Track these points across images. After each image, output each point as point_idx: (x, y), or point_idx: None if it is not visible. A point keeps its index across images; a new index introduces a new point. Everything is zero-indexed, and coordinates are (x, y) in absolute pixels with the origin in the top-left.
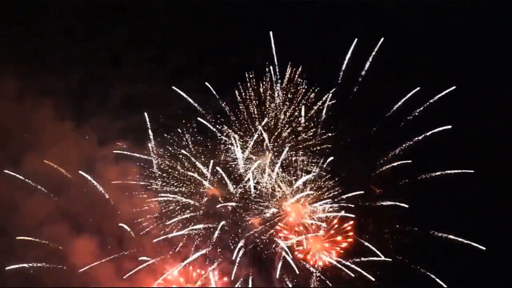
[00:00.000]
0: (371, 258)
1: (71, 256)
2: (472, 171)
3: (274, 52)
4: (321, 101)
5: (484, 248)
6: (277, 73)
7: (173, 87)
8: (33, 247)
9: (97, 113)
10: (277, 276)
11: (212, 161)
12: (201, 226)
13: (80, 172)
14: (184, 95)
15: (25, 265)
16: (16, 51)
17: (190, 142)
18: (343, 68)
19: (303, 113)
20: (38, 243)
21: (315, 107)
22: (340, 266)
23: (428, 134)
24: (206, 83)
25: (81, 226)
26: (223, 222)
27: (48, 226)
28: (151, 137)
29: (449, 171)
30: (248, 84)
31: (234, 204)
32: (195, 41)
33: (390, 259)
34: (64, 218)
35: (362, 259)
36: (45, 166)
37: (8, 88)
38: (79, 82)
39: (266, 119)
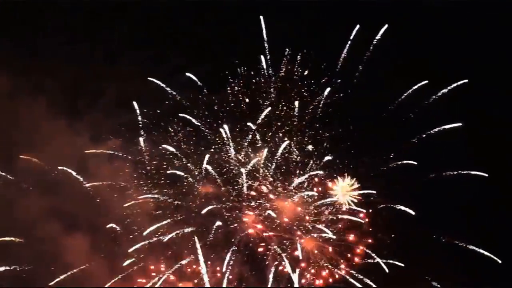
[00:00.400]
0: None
1: (61, 257)
2: (486, 174)
3: (264, 37)
4: (319, 97)
5: (500, 261)
6: (269, 62)
7: (149, 78)
8: (22, 247)
9: (89, 111)
10: (271, 278)
11: (206, 157)
12: (192, 228)
13: (62, 167)
14: (163, 85)
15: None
16: (11, 48)
17: (182, 143)
18: (342, 56)
19: (297, 111)
20: (28, 243)
21: (314, 103)
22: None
23: (435, 131)
24: (188, 75)
25: (70, 226)
26: (217, 223)
27: (36, 225)
28: (142, 136)
29: (460, 171)
30: (241, 80)
31: (225, 205)
32: (191, 40)
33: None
34: (52, 217)
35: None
36: (35, 164)
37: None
38: (73, 80)
39: (263, 114)
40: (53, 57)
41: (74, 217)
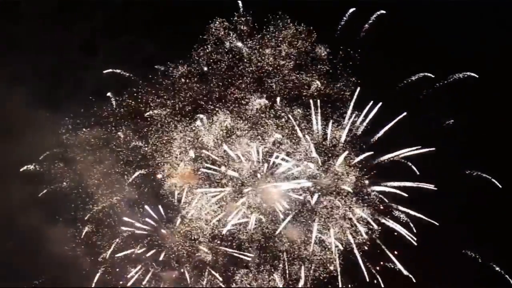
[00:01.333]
0: None
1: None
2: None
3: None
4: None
5: None
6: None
7: (104, 72)
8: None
9: (69, 100)
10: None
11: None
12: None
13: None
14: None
15: None
16: None
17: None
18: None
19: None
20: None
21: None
22: None
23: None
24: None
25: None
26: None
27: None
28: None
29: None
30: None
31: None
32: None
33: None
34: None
35: None
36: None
37: None
38: (51, 68)
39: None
40: (27, 46)
41: (53, 211)
